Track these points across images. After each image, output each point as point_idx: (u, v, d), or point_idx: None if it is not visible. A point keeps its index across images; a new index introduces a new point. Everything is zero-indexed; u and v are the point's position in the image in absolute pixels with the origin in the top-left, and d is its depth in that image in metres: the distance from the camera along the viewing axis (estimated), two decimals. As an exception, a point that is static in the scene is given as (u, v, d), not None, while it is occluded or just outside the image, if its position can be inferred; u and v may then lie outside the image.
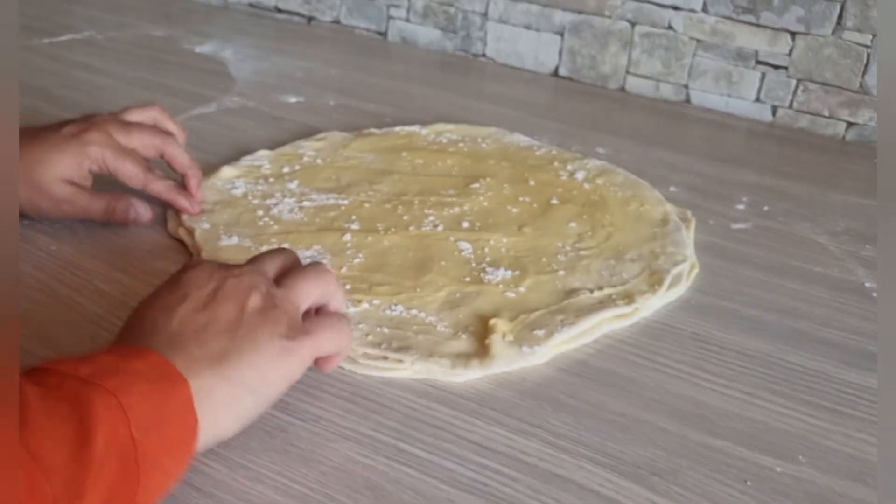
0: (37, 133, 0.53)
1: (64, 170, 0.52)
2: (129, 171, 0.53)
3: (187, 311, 0.37)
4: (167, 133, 0.57)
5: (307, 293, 0.40)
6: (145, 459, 0.31)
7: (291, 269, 0.41)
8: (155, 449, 0.32)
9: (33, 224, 0.55)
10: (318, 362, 0.40)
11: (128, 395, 0.32)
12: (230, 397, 0.35)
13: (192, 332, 0.36)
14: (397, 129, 0.73)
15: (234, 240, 0.54)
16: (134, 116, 0.57)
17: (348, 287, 0.49)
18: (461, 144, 0.71)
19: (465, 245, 0.54)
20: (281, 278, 0.40)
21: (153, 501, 0.33)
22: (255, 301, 0.37)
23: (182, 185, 0.57)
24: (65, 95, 0.78)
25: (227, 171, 0.63)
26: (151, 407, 0.32)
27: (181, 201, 0.56)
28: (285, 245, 0.53)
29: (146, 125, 0.57)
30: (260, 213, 0.57)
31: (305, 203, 0.59)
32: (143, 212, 0.55)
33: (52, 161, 0.51)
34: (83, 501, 0.29)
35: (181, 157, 0.57)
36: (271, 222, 0.56)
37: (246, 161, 0.65)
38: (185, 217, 0.56)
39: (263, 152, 0.66)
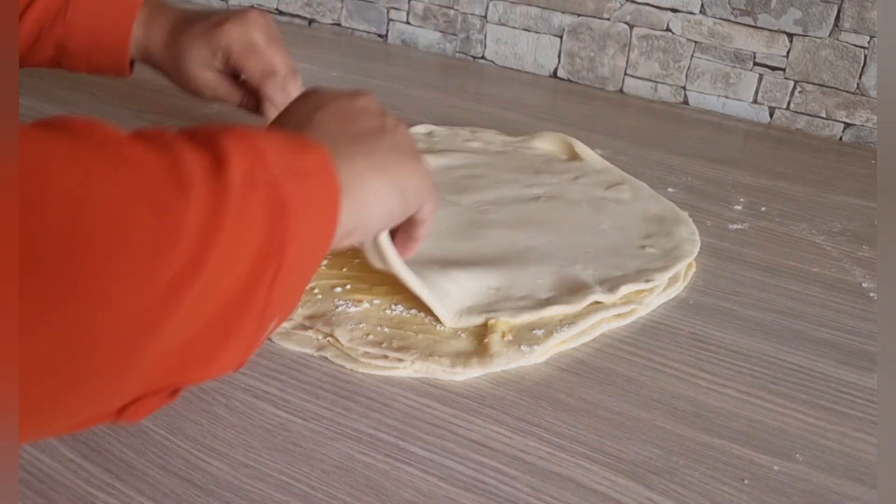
0: (193, 20, 0.59)
1: (202, 58, 0.58)
2: (248, 69, 0.58)
3: (327, 115, 0.38)
4: (296, 72, 0.60)
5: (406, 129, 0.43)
6: (290, 201, 0.29)
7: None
8: (299, 195, 0.30)
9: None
10: (412, 223, 0.42)
11: (262, 141, 0.30)
12: (381, 190, 0.36)
13: (335, 130, 0.37)
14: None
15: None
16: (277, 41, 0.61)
17: (348, 287, 0.50)
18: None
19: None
20: None
21: (304, 269, 0.31)
22: (389, 119, 0.41)
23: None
24: (66, 97, 0.78)
25: None
26: (289, 157, 0.31)
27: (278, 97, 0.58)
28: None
29: (285, 48, 0.60)
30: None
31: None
32: (269, 115, 0.59)
33: (193, 48, 0.58)
34: (222, 230, 0.27)
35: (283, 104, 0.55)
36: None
37: None
38: None
39: None
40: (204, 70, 0.59)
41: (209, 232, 0.26)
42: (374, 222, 0.37)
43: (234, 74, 0.60)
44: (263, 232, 0.28)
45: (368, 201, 0.35)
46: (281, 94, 0.59)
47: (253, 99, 0.61)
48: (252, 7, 0.61)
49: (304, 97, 0.41)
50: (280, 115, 0.41)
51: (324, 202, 0.32)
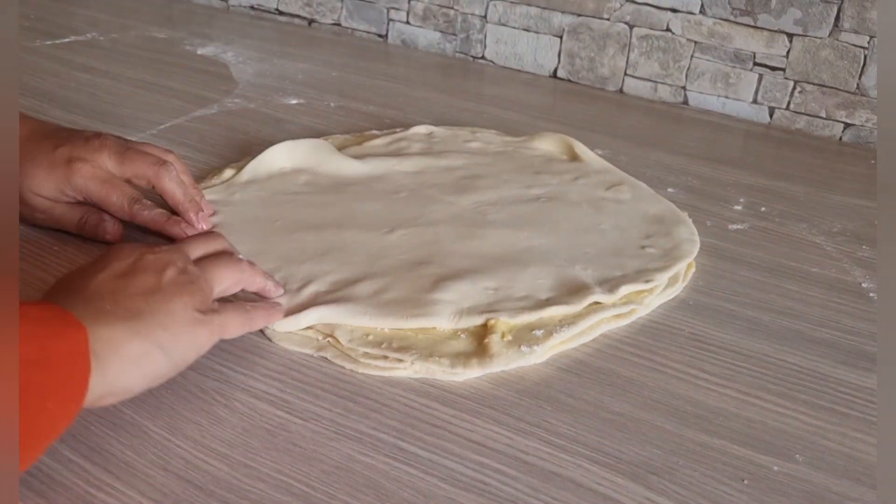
0: (35, 147, 0.53)
1: (46, 191, 0.52)
2: (114, 205, 0.52)
3: (106, 277, 0.38)
4: (164, 163, 0.54)
5: (221, 277, 0.43)
6: (25, 395, 0.30)
7: (213, 255, 0.45)
8: (37, 387, 0.31)
9: (35, 222, 0.56)
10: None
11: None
12: (141, 353, 0.36)
13: (108, 292, 0.37)
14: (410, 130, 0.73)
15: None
16: (146, 149, 0.54)
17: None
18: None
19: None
20: (200, 261, 0.43)
21: (38, 445, 0.32)
22: (171, 273, 0.40)
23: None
24: (67, 97, 0.79)
25: (228, 172, 0.63)
26: (38, 346, 0.32)
27: (174, 228, 0.53)
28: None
29: (143, 153, 0.54)
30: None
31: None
32: (111, 230, 0.54)
33: (36, 178, 0.52)
34: None
35: (175, 192, 0.53)
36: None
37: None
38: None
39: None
40: (38, 198, 0.52)
41: None
42: (132, 384, 0.36)
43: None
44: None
45: (124, 367, 0.36)
46: (154, 212, 0.53)
47: (94, 219, 0.54)
48: (96, 135, 0.53)
49: (106, 255, 0.41)
50: (67, 276, 0.40)
51: (68, 390, 0.33)
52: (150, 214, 0.53)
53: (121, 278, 0.39)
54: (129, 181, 0.53)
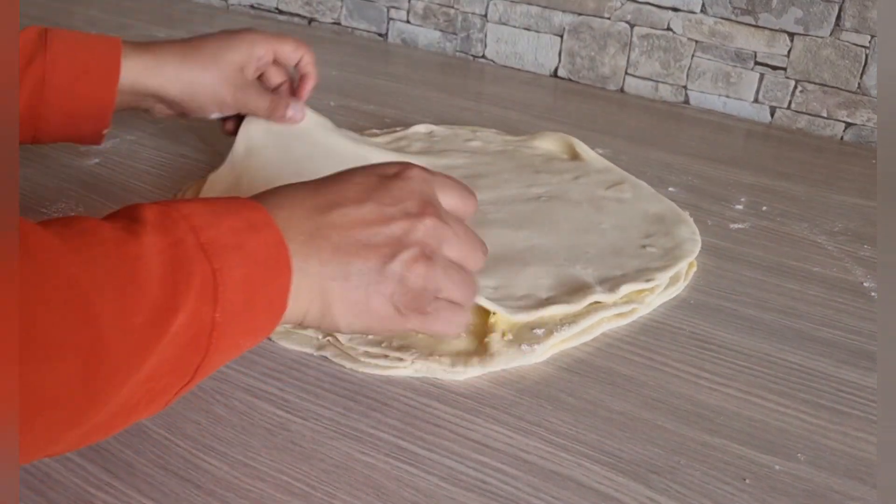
0: (201, 42, 0.59)
1: (233, 64, 0.58)
2: (287, 56, 0.62)
3: (353, 221, 0.36)
4: (301, 43, 0.64)
5: (451, 293, 0.39)
6: (220, 338, 0.32)
7: (461, 262, 0.40)
8: (233, 330, 0.32)
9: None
10: None
11: (229, 276, 0.32)
12: (313, 312, 0.36)
13: (338, 241, 0.36)
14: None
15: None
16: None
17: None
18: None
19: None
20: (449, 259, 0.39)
21: (215, 368, 0.34)
22: (407, 258, 0.36)
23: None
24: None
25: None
26: (246, 293, 0.32)
27: (291, 103, 0.61)
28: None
29: (289, 38, 0.63)
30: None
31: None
32: (298, 113, 0.61)
33: (230, 48, 0.58)
34: (146, 363, 0.29)
35: (312, 62, 0.64)
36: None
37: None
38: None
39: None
40: (232, 80, 0.59)
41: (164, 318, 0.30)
42: (288, 321, 0.36)
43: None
44: (181, 357, 0.31)
45: (293, 314, 0.36)
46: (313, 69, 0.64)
47: (280, 104, 0.61)
48: (244, 28, 0.61)
49: (340, 177, 0.38)
50: (309, 191, 0.37)
51: (259, 329, 0.35)
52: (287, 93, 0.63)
53: (360, 229, 0.36)
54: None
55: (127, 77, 0.56)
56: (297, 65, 0.64)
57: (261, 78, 0.62)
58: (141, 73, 0.57)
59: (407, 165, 0.40)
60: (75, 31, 0.57)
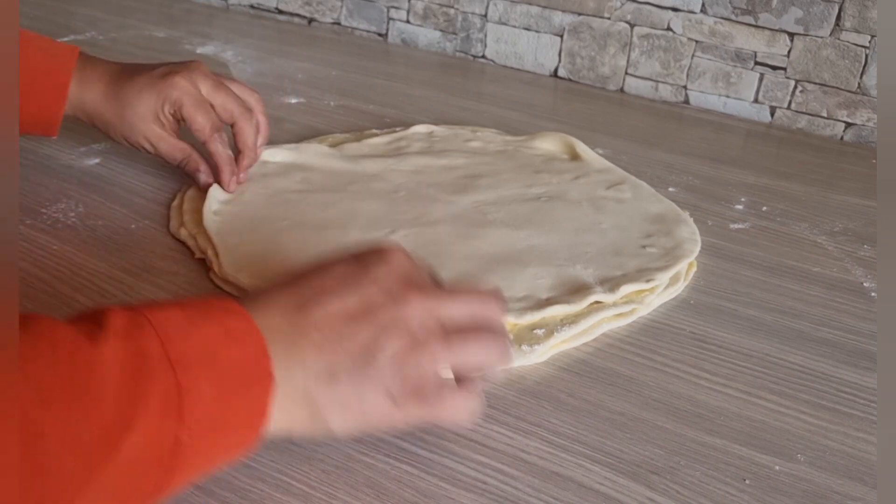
0: (135, 72, 0.58)
1: (148, 108, 0.57)
2: (199, 123, 0.57)
3: (327, 316, 0.33)
4: (248, 110, 0.60)
5: (469, 362, 0.35)
6: (189, 457, 0.29)
7: (476, 324, 0.36)
8: (205, 448, 0.30)
9: (35, 223, 0.56)
10: None
11: (197, 392, 0.29)
12: (306, 423, 0.33)
13: (316, 343, 0.33)
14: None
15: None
16: (232, 86, 0.60)
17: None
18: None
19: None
20: (453, 330, 0.35)
21: (186, 485, 0.31)
22: (399, 343, 0.33)
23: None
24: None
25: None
26: (219, 409, 0.30)
27: (225, 174, 0.59)
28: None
29: (234, 93, 0.59)
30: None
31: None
32: (205, 179, 0.59)
33: (141, 98, 0.57)
34: (95, 482, 0.27)
35: (248, 136, 0.59)
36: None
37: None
38: (186, 218, 0.56)
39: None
40: (149, 122, 0.57)
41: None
42: (275, 432, 0.33)
43: (175, 132, 0.59)
44: (140, 481, 0.29)
45: (279, 427, 0.33)
46: (224, 150, 0.59)
47: (192, 160, 0.59)
48: (193, 61, 0.59)
49: (334, 274, 0.35)
50: (287, 291, 0.34)
51: (236, 445, 0.32)
52: (222, 150, 0.58)
53: (344, 322, 0.33)
54: (212, 107, 0.58)
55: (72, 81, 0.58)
56: (232, 127, 0.59)
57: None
58: (75, 82, 0.58)
59: (387, 249, 0.36)
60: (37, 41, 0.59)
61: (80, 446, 0.26)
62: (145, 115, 0.57)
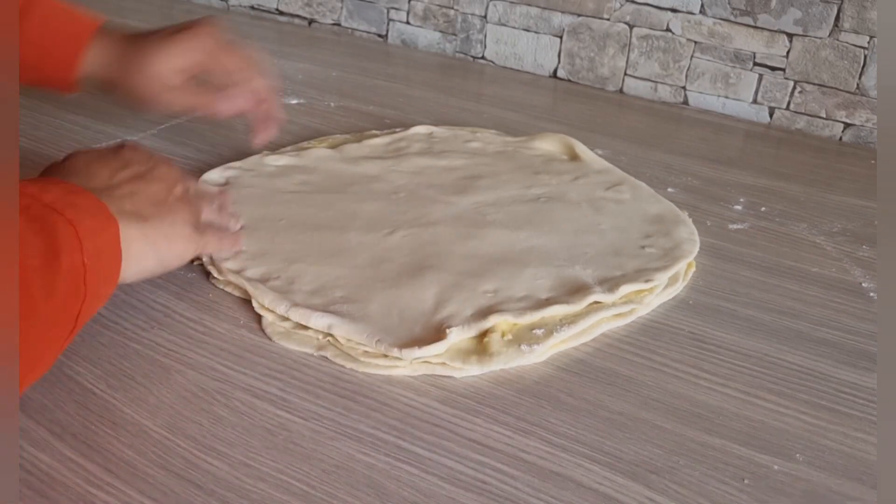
0: (147, 33, 0.60)
1: (168, 63, 0.59)
2: (232, 63, 0.61)
3: (127, 176, 0.45)
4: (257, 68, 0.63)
5: (207, 209, 0.50)
6: (90, 284, 0.37)
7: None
8: (96, 277, 0.38)
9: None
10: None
11: (81, 227, 0.37)
12: (141, 253, 0.42)
13: (128, 193, 0.43)
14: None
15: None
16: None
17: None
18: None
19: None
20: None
21: (84, 322, 0.38)
22: (179, 190, 0.47)
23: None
24: (68, 97, 0.78)
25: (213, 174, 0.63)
26: (96, 240, 0.38)
27: (261, 125, 0.63)
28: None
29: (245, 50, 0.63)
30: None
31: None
32: (226, 105, 0.62)
33: (159, 53, 0.59)
34: (51, 303, 0.35)
35: (266, 87, 0.63)
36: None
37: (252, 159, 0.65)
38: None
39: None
40: (164, 77, 0.59)
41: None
42: (126, 277, 0.42)
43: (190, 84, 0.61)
44: (66, 305, 0.37)
45: (128, 263, 0.41)
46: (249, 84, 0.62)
47: (214, 104, 0.62)
48: (208, 17, 0.62)
49: (124, 153, 0.47)
50: (87, 160, 0.46)
51: (111, 277, 0.41)
52: (236, 101, 0.62)
53: (139, 181, 0.45)
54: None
55: (86, 66, 0.59)
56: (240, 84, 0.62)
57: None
58: (92, 68, 0.59)
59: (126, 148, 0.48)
60: (58, 7, 0.60)
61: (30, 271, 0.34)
62: (162, 71, 0.58)
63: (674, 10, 0.87)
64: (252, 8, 1.13)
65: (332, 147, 0.69)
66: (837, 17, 0.80)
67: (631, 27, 0.90)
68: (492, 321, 0.46)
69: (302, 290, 0.49)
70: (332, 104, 0.83)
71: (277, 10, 1.11)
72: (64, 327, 0.37)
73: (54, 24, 0.59)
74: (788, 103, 0.85)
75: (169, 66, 0.59)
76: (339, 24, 1.08)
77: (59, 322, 0.36)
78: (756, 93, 0.86)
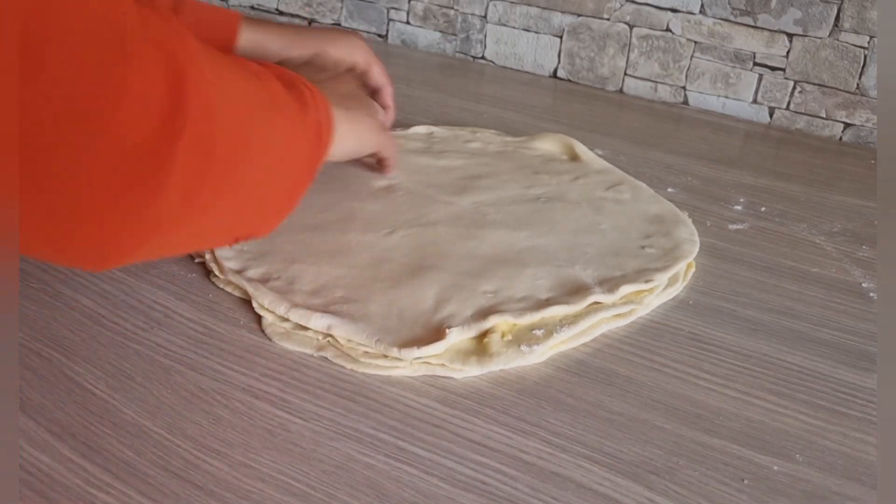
0: (299, 26, 0.66)
1: (340, 55, 0.63)
2: (373, 79, 0.65)
3: (324, 76, 0.56)
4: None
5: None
6: (323, 139, 0.46)
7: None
8: (326, 137, 0.47)
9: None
10: (380, 161, 0.62)
11: (316, 95, 0.46)
12: (345, 134, 0.50)
13: (329, 87, 0.50)
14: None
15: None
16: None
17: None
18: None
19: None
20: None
21: (315, 172, 0.47)
22: (369, 104, 0.59)
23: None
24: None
25: None
26: (321, 110, 0.46)
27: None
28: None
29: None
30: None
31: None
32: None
33: (333, 44, 0.63)
34: (306, 144, 0.45)
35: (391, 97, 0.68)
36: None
37: None
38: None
39: None
40: (329, 66, 0.62)
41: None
42: (336, 153, 0.50)
43: None
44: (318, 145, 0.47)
45: (342, 139, 0.50)
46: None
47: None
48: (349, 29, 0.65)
49: (342, 77, 0.59)
50: (321, 77, 0.55)
51: (330, 143, 0.49)
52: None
53: (334, 81, 0.56)
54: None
55: (238, 49, 0.61)
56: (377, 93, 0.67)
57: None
58: (247, 48, 0.61)
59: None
60: (201, 3, 0.63)
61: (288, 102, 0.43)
62: (334, 52, 0.62)
63: (674, 10, 0.87)
64: (252, 8, 1.13)
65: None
66: (837, 17, 0.80)
67: (631, 27, 0.90)
68: (492, 321, 0.46)
69: (302, 291, 0.49)
70: (332, 104, 0.83)
71: (277, 10, 1.11)
72: (309, 176, 0.46)
73: (204, 16, 0.61)
74: (788, 103, 0.85)
75: (334, 57, 0.62)
76: (339, 24, 1.08)
77: (308, 168, 0.45)
78: (756, 93, 0.86)
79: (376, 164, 0.63)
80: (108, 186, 0.30)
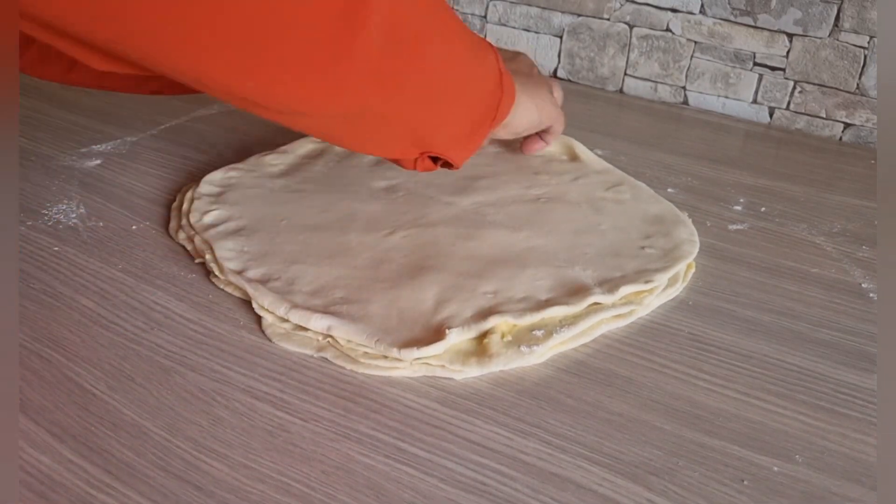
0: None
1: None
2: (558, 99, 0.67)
3: (528, 73, 0.59)
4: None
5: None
6: (506, 86, 0.50)
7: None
8: (508, 95, 0.51)
9: (36, 225, 0.56)
10: (547, 131, 0.64)
11: (498, 57, 0.50)
12: (526, 105, 0.55)
13: (525, 75, 0.57)
14: None
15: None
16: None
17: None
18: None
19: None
20: None
21: (500, 121, 0.51)
22: (547, 79, 0.63)
23: None
24: (66, 97, 0.79)
25: (222, 173, 0.63)
26: (508, 75, 0.50)
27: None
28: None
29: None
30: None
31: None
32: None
33: (515, 62, 0.65)
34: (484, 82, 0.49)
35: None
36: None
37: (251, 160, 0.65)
38: (185, 221, 0.56)
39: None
40: None
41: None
42: (517, 124, 0.55)
43: None
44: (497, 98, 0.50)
45: (522, 112, 0.54)
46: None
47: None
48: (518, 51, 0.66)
49: (524, 59, 0.63)
50: (513, 62, 0.60)
51: (505, 105, 0.52)
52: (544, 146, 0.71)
53: (510, 62, 0.57)
54: None
55: None
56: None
57: None
58: None
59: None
60: None
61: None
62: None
63: (674, 10, 0.87)
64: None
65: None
66: (837, 17, 0.80)
67: (631, 27, 0.90)
68: (491, 322, 0.46)
69: (302, 291, 0.49)
70: (332, 104, 0.83)
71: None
72: (489, 115, 0.49)
73: None
74: (788, 103, 0.85)
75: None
76: (339, 24, 1.08)
77: (489, 104, 0.49)
78: (756, 93, 0.86)
79: (538, 134, 0.65)
80: (310, 41, 0.36)
